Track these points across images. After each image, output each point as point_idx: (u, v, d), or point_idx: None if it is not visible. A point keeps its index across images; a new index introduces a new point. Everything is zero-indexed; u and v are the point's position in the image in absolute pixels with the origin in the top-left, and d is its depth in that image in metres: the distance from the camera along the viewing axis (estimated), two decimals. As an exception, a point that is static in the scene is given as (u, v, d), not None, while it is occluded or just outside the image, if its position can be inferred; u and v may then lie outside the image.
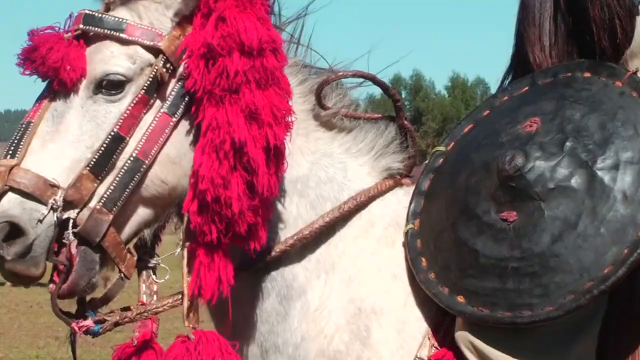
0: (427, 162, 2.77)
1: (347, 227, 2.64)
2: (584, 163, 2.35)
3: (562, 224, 2.33)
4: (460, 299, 2.42)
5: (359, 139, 2.75)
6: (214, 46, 2.37)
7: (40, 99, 2.45)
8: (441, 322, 2.50)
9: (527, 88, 2.64)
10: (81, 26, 2.46)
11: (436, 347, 2.48)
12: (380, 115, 2.81)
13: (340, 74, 2.72)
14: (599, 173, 2.34)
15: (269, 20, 2.50)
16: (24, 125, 2.41)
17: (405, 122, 2.80)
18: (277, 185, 2.46)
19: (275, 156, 2.43)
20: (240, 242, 2.43)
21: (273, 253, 2.56)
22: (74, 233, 2.35)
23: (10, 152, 2.37)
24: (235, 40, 2.38)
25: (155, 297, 2.56)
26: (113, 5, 2.50)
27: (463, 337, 2.40)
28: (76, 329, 2.45)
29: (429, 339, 2.49)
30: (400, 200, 2.71)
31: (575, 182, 2.35)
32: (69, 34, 2.45)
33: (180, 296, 2.51)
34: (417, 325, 2.53)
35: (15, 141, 2.38)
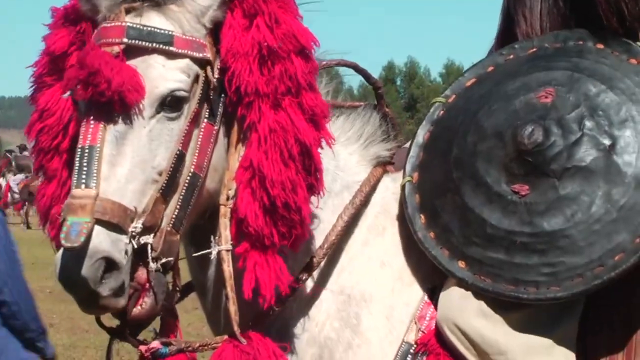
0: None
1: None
2: (601, 145, 2.34)
3: (575, 205, 2.32)
4: (462, 264, 2.42)
5: (347, 127, 2.74)
6: (275, 49, 2.33)
7: (93, 119, 2.29)
8: (427, 306, 2.51)
9: (535, 50, 2.59)
10: (125, 40, 2.30)
11: (422, 331, 2.49)
12: (362, 104, 2.81)
13: (324, 63, 2.70)
14: (615, 156, 2.32)
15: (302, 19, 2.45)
16: (87, 151, 2.26)
17: (387, 110, 2.80)
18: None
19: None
20: (296, 244, 2.41)
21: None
22: (153, 258, 2.28)
23: (84, 181, 2.24)
24: (293, 42, 2.35)
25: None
26: (138, 11, 2.34)
27: (445, 319, 2.41)
28: (143, 350, 2.39)
29: (415, 323, 2.50)
30: (387, 187, 2.70)
31: (591, 163, 2.33)
32: (116, 49, 2.30)
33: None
34: (404, 311, 2.54)
35: (85, 169, 2.24)
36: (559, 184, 2.34)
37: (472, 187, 2.44)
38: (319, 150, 2.43)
